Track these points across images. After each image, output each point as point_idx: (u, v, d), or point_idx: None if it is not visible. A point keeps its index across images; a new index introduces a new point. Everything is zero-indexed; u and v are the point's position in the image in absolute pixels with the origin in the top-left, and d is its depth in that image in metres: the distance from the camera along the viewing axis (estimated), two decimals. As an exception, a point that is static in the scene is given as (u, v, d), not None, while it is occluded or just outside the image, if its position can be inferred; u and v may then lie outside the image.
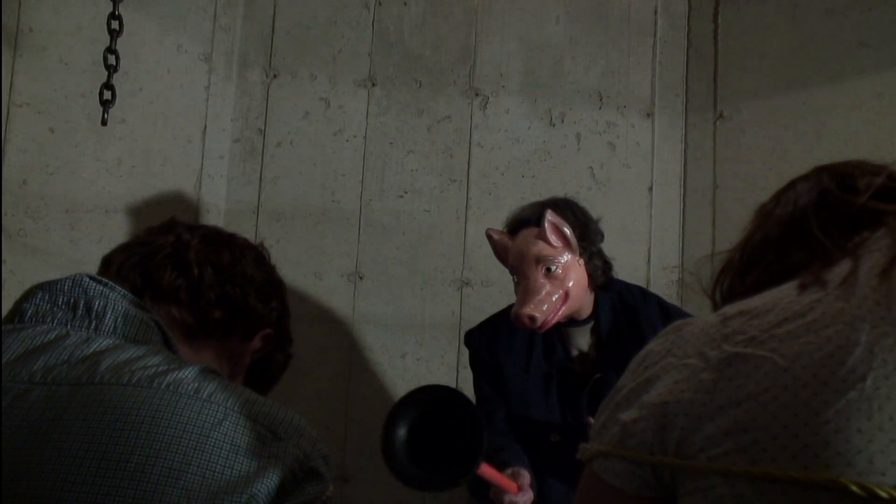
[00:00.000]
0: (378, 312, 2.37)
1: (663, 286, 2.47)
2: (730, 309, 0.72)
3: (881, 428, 0.58)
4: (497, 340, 1.82)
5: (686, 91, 2.61)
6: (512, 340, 1.80)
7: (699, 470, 0.64)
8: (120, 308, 0.87)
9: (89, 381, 0.78)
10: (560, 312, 1.69)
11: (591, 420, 1.58)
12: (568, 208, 1.76)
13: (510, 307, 1.80)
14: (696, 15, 2.62)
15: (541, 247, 1.69)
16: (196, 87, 2.26)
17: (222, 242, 1.07)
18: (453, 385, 2.39)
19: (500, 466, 1.60)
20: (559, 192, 1.85)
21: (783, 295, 0.70)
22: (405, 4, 2.48)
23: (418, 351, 2.38)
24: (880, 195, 0.77)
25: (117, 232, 2.04)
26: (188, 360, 0.92)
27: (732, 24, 2.54)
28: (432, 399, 1.40)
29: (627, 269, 2.23)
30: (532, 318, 1.65)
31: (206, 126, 2.27)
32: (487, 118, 2.49)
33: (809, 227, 0.77)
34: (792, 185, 0.85)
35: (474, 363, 1.89)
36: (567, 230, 1.70)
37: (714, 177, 2.52)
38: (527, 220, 1.75)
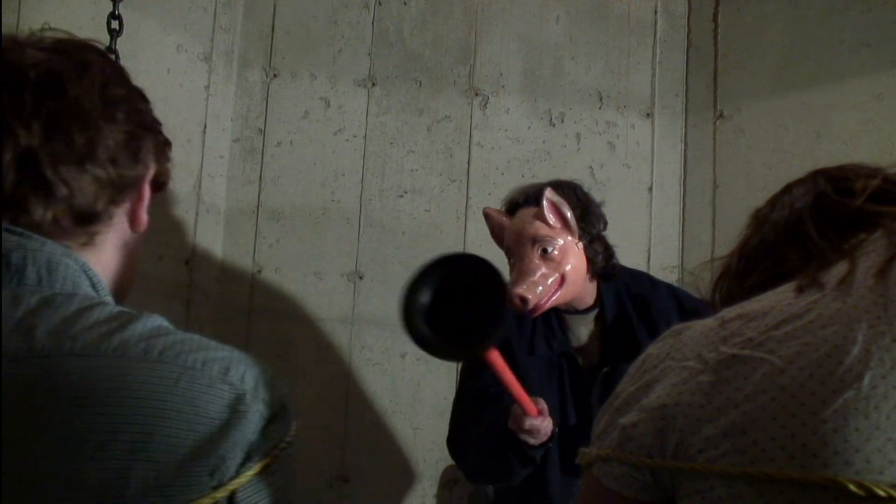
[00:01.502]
0: (378, 312, 2.37)
1: (663, 286, 2.47)
2: (728, 312, 0.72)
3: (878, 427, 0.58)
4: None
5: (686, 91, 2.61)
6: (519, 320, 1.70)
7: (698, 472, 0.64)
8: (41, 258, 0.78)
9: (29, 355, 0.70)
10: (554, 297, 1.60)
11: None
12: (570, 189, 1.68)
13: None
14: (696, 15, 2.62)
15: (538, 226, 1.61)
16: (196, 87, 2.26)
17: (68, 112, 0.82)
18: (453, 388, 2.40)
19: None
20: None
21: (781, 297, 0.70)
22: (405, 4, 2.49)
23: (418, 351, 2.36)
24: (876, 197, 0.77)
25: (117, 232, 2.04)
26: (106, 273, 0.83)
27: (732, 24, 2.54)
28: (460, 267, 1.37)
29: (627, 269, 2.22)
30: (524, 300, 1.56)
31: (206, 126, 2.28)
32: (487, 118, 2.49)
33: (806, 229, 0.78)
34: (787, 189, 0.86)
35: None
36: (566, 210, 1.61)
37: (714, 177, 2.52)
38: (525, 199, 1.67)
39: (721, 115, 2.53)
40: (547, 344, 1.69)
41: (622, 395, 0.74)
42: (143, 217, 0.91)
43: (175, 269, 2.18)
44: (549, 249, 1.60)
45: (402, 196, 2.42)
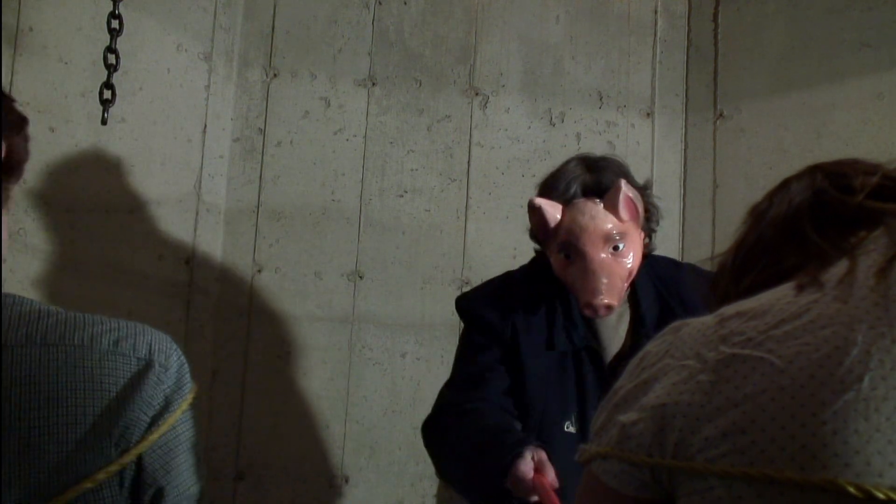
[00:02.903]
0: (378, 312, 2.37)
1: (663, 286, 2.47)
2: (727, 310, 0.72)
3: (878, 429, 0.58)
4: (513, 311, 1.59)
5: (686, 91, 2.61)
6: (530, 314, 1.58)
7: (697, 471, 0.64)
8: None
9: None
10: (624, 294, 1.52)
11: None
12: (627, 176, 1.55)
13: (511, 273, 1.67)
14: (696, 15, 2.62)
15: (612, 223, 1.49)
16: (196, 87, 2.26)
17: None
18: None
19: (515, 446, 1.39)
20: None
21: (780, 296, 0.70)
22: (405, 4, 2.48)
23: (418, 351, 2.38)
24: (876, 194, 0.76)
25: (117, 232, 2.04)
26: None
27: (732, 24, 2.54)
28: None
29: (627, 269, 2.22)
30: (610, 308, 1.47)
31: (206, 125, 2.27)
32: (487, 118, 2.49)
33: (804, 228, 0.77)
34: (786, 184, 0.85)
35: (481, 327, 1.62)
36: (640, 205, 1.52)
37: (714, 177, 2.52)
38: (585, 189, 1.54)
39: (721, 115, 2.53)
40: (567, 338, 1.57)
41: (621, 391, 0.74)
42: None
43: (175, 269, 2.18)
44: (620, 246, 1.50)
45: (402, 196, 2.42)
